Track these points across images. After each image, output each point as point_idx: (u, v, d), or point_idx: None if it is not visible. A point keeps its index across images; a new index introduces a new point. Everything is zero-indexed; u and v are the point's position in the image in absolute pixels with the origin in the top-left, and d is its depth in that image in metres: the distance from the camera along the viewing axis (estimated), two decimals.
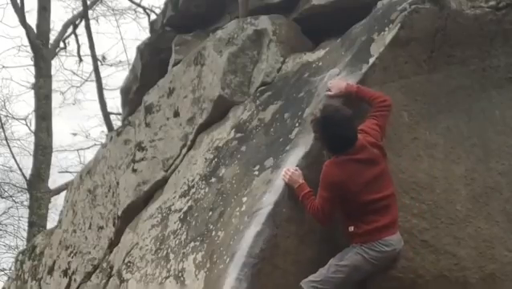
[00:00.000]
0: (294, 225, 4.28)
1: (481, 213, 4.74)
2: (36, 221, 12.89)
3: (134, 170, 6.22)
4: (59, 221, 7.66)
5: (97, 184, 6.82)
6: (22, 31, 13.85)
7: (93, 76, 11.74)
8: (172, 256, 5.04)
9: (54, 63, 15.00)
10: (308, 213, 4.14)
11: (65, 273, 6.87)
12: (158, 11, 11.52)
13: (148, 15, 13.17)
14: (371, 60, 4.54)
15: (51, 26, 14.34)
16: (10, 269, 15.09)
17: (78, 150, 16.33)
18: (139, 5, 14.18)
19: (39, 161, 13.17)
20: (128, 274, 5.58)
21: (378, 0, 5.07)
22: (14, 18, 13.92)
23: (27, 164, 14.64)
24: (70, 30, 14.85)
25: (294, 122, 4.74)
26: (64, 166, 16.58)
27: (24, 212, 15.21)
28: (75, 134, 16.14)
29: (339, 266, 4.08)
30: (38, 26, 13.65)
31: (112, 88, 16.36)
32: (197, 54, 6.00)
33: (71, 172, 15.72)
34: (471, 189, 4.73)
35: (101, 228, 6.54)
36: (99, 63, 11.09)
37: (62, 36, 14.88)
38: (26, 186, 13.80)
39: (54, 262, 7.12)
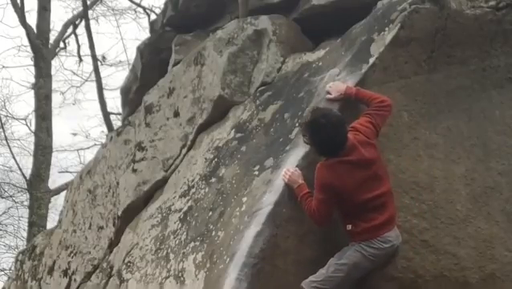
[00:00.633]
0: (294, 225, 4.28)
1: (481, 213, 4.74)
2: (36, 221, 12.89)
3: (134, 170, 6.22)
4: (59, 221, 7.66)
5: (97, 184, 6.82)
6: (22, 31, 13.88)
7: (93, 76, 11.75)
8: (172, 256, 5.04)
9: (54, 63, 15.02)
10: (306, 215, 4.14)
11: (65, 273, 6.87)
12: (158, 11, 11.51)
13: (148, 15, 13.16)
14: (371, 60, 4.54)
15: (51, 26, 14.38)
16: (10, 269, 15.09)
17: (78, 150, 16.33)
18: (139, 5, 14.17)
19: (39, 161, 13.18)
20: (128, 274, 5.58)
21: (378, 0, 5.07)
22: (14, 18, 13.95)
23: (27, 164, 14.68)
24: (70, 30, 14.85)
25: (294, 122, 4.74)
26: (64, 166, 16.58)
27: (24, 212, 15.23)
28: (75, 134, 16.14)
29: (338, 264, 4.08)
30: (38, 26, 13.65)
31: (112, 88, 16.37)
32: (197, 54, 6.00)
33: (71, 172, 15.72)
34: (471, 189, 4.73)
35: (101, 228, 6.54)
36: (99, 63, 11.09)
37: (62, 36, 14.88)
38: (26, 186, 13.80)
39: (54, 262, 7.12)
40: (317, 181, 4.09)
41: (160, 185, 5.94)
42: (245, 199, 4.59)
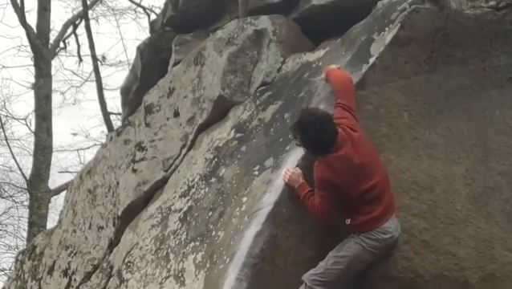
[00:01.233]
0: (294, 225, 4.28)
1: (481, 213, 4.74)
2: (36, 221, 12.88)
3: (134, 170, 6.22)
4: (59, 221, 7.66)
5: (97, 184, 6.82)
6: (22, 31, 13.86)
7: (93, 76, 11.74)
8: (172, 256, 5.04)
9: (54, 63, 15.01)
10: (310, 213, 4.14)
11: (65, 273, 6.87)
12: (158, 11, 11.51)
13: (148, 15, 13.14)
14: (371, 60, 4.54)
15: (51, 26, 14.35)
16: (10, 269, 15.08)
17: (78, 150, 16.32)
18: (139, 5, 14.16)
19: (39, 161, 13.17)
20: (128, 274, 5.58)
21: (378, 0, 5.07)
22: (14, 18, 13.93)
23: (27, 164, 14.66)
24: (70, 30, 14.83)
25: None
26: (64, 166, 16.57)
27: (24, 212, 15.22)
28: (75, 134, 16.13)
29: (338, 257, 4.09)
30: (38, 26, 13.64)
31: (112, 88, 16.34)
32: (197, 54, 6.00)
33: (71, 172, 15.71)
34: (471, 189, 4.73)
35: (101, 228, 6.54)
36: (99, 63, 11.08)
37: (62, 36, 14.87)
38: (26, 186, 13.79)
39: (54, 262, 7.12)
40: (317, 178, 4.11)
41: (160, 185, 5.94)
42: (245, 199, 4.59)
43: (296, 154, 4.43)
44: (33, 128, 13.80)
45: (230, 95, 5.61)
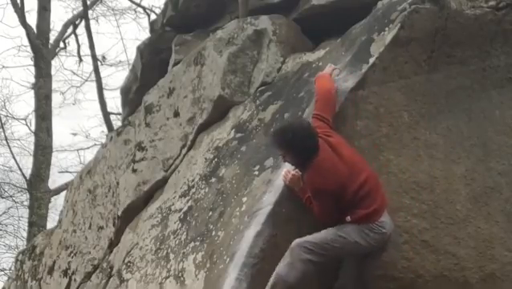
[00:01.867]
0: (294, 225, 4.28)
1: (481, 213, 4.74)
2: (36, 221, 12.88)
3: (134, 170, 6.22)
4: (59, 221, 7.66)
5: (97, 184, 6.82)
6: (22, 31, 13.86)
7: (93, 76, 11.74)
8: (172, 256, 5.04)
9: (54, 63, 15.01)
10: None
11: (65, 273, 6.87)
12: (158, 11, 11.51)
13: (148, 15, 13.14)
14: (371, 60, 4.54)
15: (51, 26, 14.35)
16: (10, 269, 15.08)
17: (78, 150, 16.32)
18: (139, 5, 14.16)
19: (39, 161, 13.16)
20: (128, 274, 5.58)
21: (378, 0, 5.07)
22: (14, 18, 13.93)
23: (27, 164, 14.66)
24: (70, 30, 14.83)
25: None
26: (64, 166, 16.58)
27: (24, 212, 15.21)
28: (75, 134, 16.13)
29: (338, 235, 4.03)
30: (38, 26, 13.64)
31: (112, 88, 16.39)
32: (197, 54, 6.00)
33: (71, 172, 15.72)
34: (471, 189, 4.73)
35: (101, 228, 6.54)
36: (99, 63, 11.08)
37: (62, 36, 14.87)
38: (26, 186, 13.79)
39: (54, 262, 7.12)
40: (310, 190, 4.11)
41: (160, 185, 5.94)
42: (245, 199, 4.60)
43: None
44: (33, 128, 13.80)
45: (230, 95, 5.61)
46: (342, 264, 4.32)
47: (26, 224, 13.85)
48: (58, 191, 14.05)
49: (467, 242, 4.65)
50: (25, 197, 14.98)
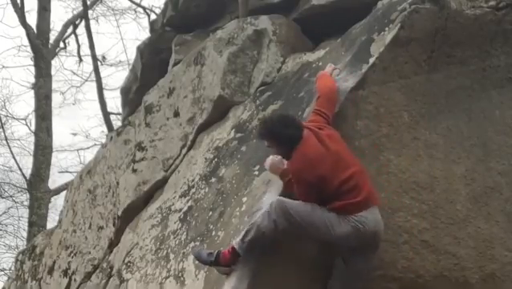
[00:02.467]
0: None
1: (481, 213, 4.74)
2: (36, 221, 12.88)
3: (134, 170, 6.22)
4: (59, 221, 7.66)
5: (97, 184, 6.82)
6: (22, 31, 13.86)
7: (93, 76, 11.76)
8: (172, 256, 5.04)
9: (54, 63, 15.01)
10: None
11: (65, 273, 6.87)
12: (158, 11, 11.52)
13: (148, 15, 13.16)
14: (371, 60, 4.54)
15: (51, 26, 14.35)
16: (10, 269, 15.08)
17: (78, 150, 16.33)
18: (139, 5, 14.18)
19: (39, 161, 13.16)
20: (128, 274, 5.58)
21: (378, 0, 5.07)
22: (14, 18, 13.94)
23: (27, 164, 14.66)
24: (70, 30, 14.84)
25: None
26: (64, 166, 16.59)
27: (24, 212, 15.21)
28: (75, 134, 16.14)
29: (316, 213, 4.00)
30: (38, 26, 13.64)
31: (112, 88, 16.41)
32: (197, 54, 6.00)
33: (71, 172, 15.73)
34: (471, 189, 4.73)
35: (101, 228, 6.54)
36: (99, 63, 11.09)
37: (62, 36, 14.87)
38: (26, 186, 13.78)
39: (54, 262, 7.12)
40: (293, 176, 4.10)
41: (160, 185, 5.94)
42: (245, 199, 4.59)
43: None
44: (33, 128, 13.80)
45: (230, 95, 5.61)
46: (335, 262, 4.31)
47: (26, 224, 13.84)
48: (58, 191, 14.05)
49: (467, 242, 4.65)
50: (25, 197, 14.99)
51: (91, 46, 10.44)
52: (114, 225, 6.34)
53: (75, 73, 16.04)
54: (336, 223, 3.98)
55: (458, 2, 4.69)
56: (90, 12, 13.61)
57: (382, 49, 4.53)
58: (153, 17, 11.81)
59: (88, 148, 16.22)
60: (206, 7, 7.14)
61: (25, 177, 13.57)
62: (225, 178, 5.00)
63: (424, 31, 4.59)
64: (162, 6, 8.65)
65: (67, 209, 7.36)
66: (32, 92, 14.00)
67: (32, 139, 14.11)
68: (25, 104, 29.65)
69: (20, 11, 13.33)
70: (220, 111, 5.66)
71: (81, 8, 13.48)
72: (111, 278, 5.91)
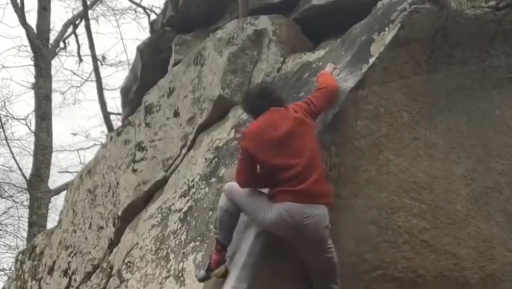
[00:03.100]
0: None
1: (481, 213, 4.74)
2: (36, 221, 12.88)
3: (134, 170, 6.22)
4: (59, 221, 7.66)
5: (97, 184, 6.82)
6: (22, 31, 13.88)
7: (93, 76, 11.77)
8: (172, 256, 5.04)
9: (54, 63, 15.03)
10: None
11: (65, 273, 6.87)
12: (158, 11, 11.53)
13: (148, 15, 13.17)
14: (371, 60, 4.54)
15: (51, 26, 14.37)
16: (10, 269, 15.08)
17: (78, 150, 16.34)
18: (139, 5, 14.19)
19: (39, 161, 13.16)
20: (128, 274, 5.58)
21: (378, 0, 5.07)
22: (14, 18, 13.94)
23: (27, 164, 14.66)
24: (70, 30, 14.85)
25: None
26: (64, 166, 16.61)
27: (24, 212, 15.21)
28: (75, 134, 16.15)
29: (254, 198, 4.08)
30: (38, 26, 13.65)
31: (112, 88, 16.41)
32: (197, 54, 6.00)
33: (71, 172, 15.74)
34: (471, 189, 4.73)
35: (101, 228, 6.54)
36: (99, 63, 11.10)
37: (62, 36, 14.88)
38: (26, 186, 13.78)
39: (54, 262, 7.12)
40: (240, 145, 4.18)
41: (160, 185, 5.94)
42: None
43: None
44: (33, 128, 13.81)
45: (230, 95, 5.61)
46: None
47: (26, 224, 13.84)
48: (58, 191, 14.06)
49: (467, 242, 4.65)
50: (25, 197, 14.99)
51: (91, 46, 10.45)
52: (114, 225, 6.34)
53: (75, 73, 16.08)
54: (268, 209, 3.97)
55: (458, 2, 4.69)
56: (90, 12, 13.63)
57: (382, 49, 4.53)
58: (153, 17, 11.83)
59: (88, 148, 16.25)
60: (206, 7, 7.15)
61: (25, 177, 13.58)
62: (225, 178, 5.00)
63: (424, 31, 4.59)
64: (162, 6, 8.67)
65: (67, 209, 7.36)
66: (32, 92, 14.01)
67: (32, 139, 14.13)
68: (25, 104, 29.71)
69: (20, 11, 13.34)
70: (220, 111, 5.66)
71: (81, 8, 13.49)
72: (111, 278, 5.91)
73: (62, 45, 14.98)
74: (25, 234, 14.35)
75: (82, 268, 6.59)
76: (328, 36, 5.65)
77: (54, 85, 14.40)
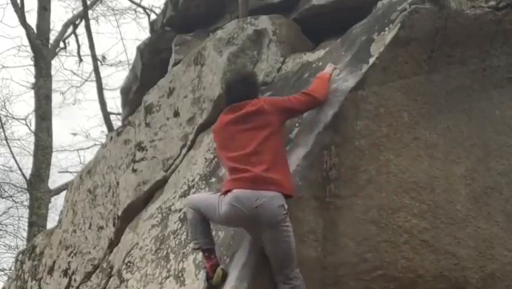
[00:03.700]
0: (293, 224, 4.26)
1: (481, 213, 4.74)
2: (36, 221, 12.87)
3: (134, 170, 6.21)
4: (59, 221, 7.66)
5: (97, 184, 6.82)
6: (22, 31, 13.88)
7: (93, 76, 11.76)
8: (172, 256, 5.04)
9: (54, 63, 15.02)
10: None
11: (65, 273, 6.87)
12: (158, 11, 11.53)
13: (148, 15, 13.16)
14: (371, 60, 4.54)
15: (51, 26, 14.36)
16: (10, 269, 15.08)
17: (78, 150, 16.34)
18: (139, 5, 14.18)
19: (39, 161, 13.16)
20: (128, 274, 5.58)
21: (378, 0, 5.07)
22: (14, 18, 13.94)
23: (27, 164, 14.67)
24: (70, 30, 14.85)
25: (294, 122, 4.73)
26: (64, 166, 16.62)
27: (24, 212, 15.22)
28: (75, 134, 16.16)
29: (211, 198, 4.18)
30: (38, 26, 13.64)
31: (112, 88, 16.42)
32: (197, 54, 6.00)
33: (71, 172, 15.75)
34: (471, 189, 4.74)
35: (101, 228, 6.54)
36: (99, 63, 11.08)
37: (62, 36, 14.88)
38: (26, 186, 13.78)
39: (54, 262, 7.12)
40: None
41: (160, 185, 5.94)
42: None
43: (297, 154, 4.43)
44: (33, 128, 13.80)
45: None
46: None
47: (26, 224, 13.84)
48: (58, 191, 14.06)
49: (467, 242, 4.65)
50: (25, 197, 14.99)
51: (91, 46, 10.44)
52: (114, 225, 6.34)
53: (75, 73, 16.09)
54: (220, 204, 4.03)
55: (458, 2, 4.69)
56: (90, 12, 13.63)
57: (382, 49, 4.53)
58: (153, 17, 11.82)
59: (88, 148, 16.25)
60: (206, 7, 7.15)
61: (25, 177, 13.57)
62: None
63: (424, 31, 4.60)
64: (162, 6, 8.66)
65: (67, 209, 7.36)
66: (32, 92, 14.01)
67: (32, 139, 14.12)
68: (25, 104, 29.73)
69: (20, 11, 13.33)
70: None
71: (81, 8, 13.48)
72: (111, 278, 5.90)
73: (62, 45, 14.98)
74: (25, 234, 14.36)
75: (82, 268, 6.58)
76: (328, 36, 5.65)
77: (54, 85, 14.42)
